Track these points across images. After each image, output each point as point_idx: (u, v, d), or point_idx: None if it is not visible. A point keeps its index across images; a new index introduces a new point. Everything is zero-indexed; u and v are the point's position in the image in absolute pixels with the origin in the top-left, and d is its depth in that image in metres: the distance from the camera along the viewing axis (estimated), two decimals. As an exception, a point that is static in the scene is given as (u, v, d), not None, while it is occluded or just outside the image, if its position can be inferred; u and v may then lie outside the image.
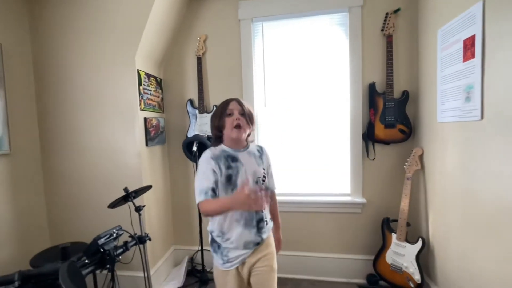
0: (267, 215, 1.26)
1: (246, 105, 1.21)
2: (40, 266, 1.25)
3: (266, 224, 1.24)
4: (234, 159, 1.18)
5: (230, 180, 1.15)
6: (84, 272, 1.14)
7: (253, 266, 1.20)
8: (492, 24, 1.20)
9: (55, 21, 1.97)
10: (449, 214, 1.58)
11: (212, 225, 1.23)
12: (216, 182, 1.13)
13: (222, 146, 1.22)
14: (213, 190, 1.11)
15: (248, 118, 1.19)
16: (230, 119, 1.17)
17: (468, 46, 1.34)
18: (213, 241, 1.24)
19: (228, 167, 1.16)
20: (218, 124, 1.20)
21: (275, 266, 1.26)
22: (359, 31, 2.04)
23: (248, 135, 1.24)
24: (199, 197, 1.10)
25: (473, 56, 1.31)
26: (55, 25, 1.97)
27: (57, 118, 2.03)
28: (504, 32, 1.13)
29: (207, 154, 1.18)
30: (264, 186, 1.23)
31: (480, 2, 1.25)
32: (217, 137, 1.24)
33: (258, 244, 1.20)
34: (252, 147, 1.28)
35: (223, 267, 1.20)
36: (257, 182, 1.20)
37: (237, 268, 1.19)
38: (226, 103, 1.20)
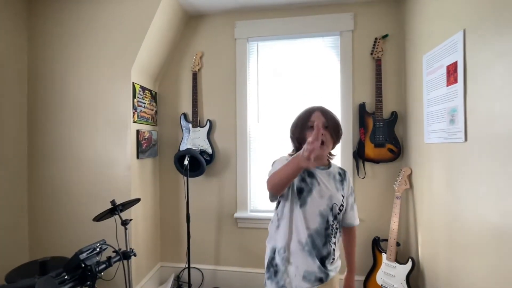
0: (336, 252, 1.09)
1: (331, 115, 1.06)
2: (15, 281, 1.19)
3: (332, 262, 1.06)
4: (311, 174, 1.05)
5: (300, 195, 1.03)
6: (62, 288, 1.09)
7: None
8: (473, 52, 1.27)
9: (53, 31, 2.00)
10: (437, 234, 1.59)
11: (275, 239, 1.07)
12: None
13: None
14: None
15: (333, 131, 1.04)
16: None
17: (451, 72, 1.41)
18: (271, 264, 1.07)
19: (302, 180, 1.04)
20: (298, 136, 1.08)
21: None
22: (350, 54, 2.13)
23: (331, 151, 1.11)
24: (269, 176, 0.99)
25: (456, 81, 1.38)
26: (52, 35, 2.00)
27: (48, 128, 2.01)
28: (484, 59, 1.20)
29: (283, 156, 1.09)
30: (338, 217, 1.08)
31: (461, 32, 1.33)
32: (296, 148, 1.12)
33: (321, 281, 1.02)
34: (334, 168, 1.13)
35: None
36: (331, 209, 1.05)
37: None
38: (309, 113, 1.06)
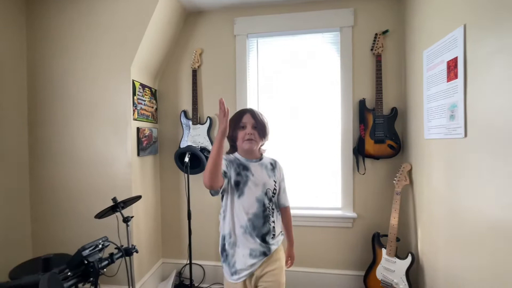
0: (276, 228, 1.26)
1: (260, 117, 1.24)
2: (19, 278, 1.20)
3: (273, 237, 1.23)
4: (245, 168, 1.22)
5: (238, 186, 1.19)
6: (66, 285, 1.10)
7: (259, 279, 1.20)
8: (473, 47, 1.27)
9: (52, 29, 1.99)
10: (436, 229, 1.60)
11: (223, 228, 1.25)
12: (225, 172, 1.16)
13: (236, 154, 1.27)
14: (225, 173, 1.15)
15: (261, 131, 1.22)
16: (243, 133, 1.21)
17: (452, 67, 1.41)
18: (223, 249, 1.24)
19: (238, 174, 1.20)
20: (231, 135, 1.23)
21: (283, 280, 1.24)
22: (350, 50, 2.12)
23: (261, 146, 1.29)
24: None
25: (456, 76, 1.37)
26: (52, 34, 2.00)
27: (49, 125, 2.01)
28: (484, 55, 1.20)
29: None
30: (274, 200, 1.26)
31: (461, 27, 1.32)
32: (231, 146, 1.29)
33: (265, 254, 1.20)
34: (266, 159, 1.30)
35: (231, 279, 1.21)
36: (266, 194, 1.22)
37: (244, 281, 1.19)
38: (240, 115, 1.23)
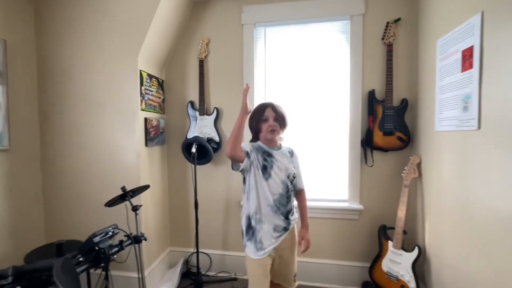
0: (294, 207, 1.45)
1: (280, 110, 1.39)
2: (34, 262, 1.25)
3: (293, 214, 1.43)
4: (270, 154, 1.39)
5: (265, 170, 1.36)
6: (78, 269, 1.14)
7: (278, 252, 1.38)
8: (490, 35, 1.22)
9: (60, 20, 1.99)
10: (444, 222, 1.58)
11: (248, 208, 1.38)
12: (248, 153, 1.32)
13: (259, 143, 1.42)
14: (247, 153, 1.31)
15: (281, 123, 1.38)
16: (266, 125, 1.37)
17: (467, 57, 1.36)
18: (248, 227, 1.38)
19: (264, 159, 1.37)
20: (255, 128, 1.41)
21: (296, 253, 1.47)
22: (360, 39, 2.06)
23: (281, 135, 1.45)
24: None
25: (471, 66, 1.33)
26: (60, 24, 2.00)
27: (58, 116, 2.04)
28: (502, 44, 1.15)
29: (247, 142, 1.40)
30: (293, 182, 1.43)
31: (478, 14, 1.27)
32: (253, 136, 1.47)
33: (285, 229, 1.38)
34: (284, 148, 1.48)
35: (257, 255, 1.34)
36: (288, 177, 1.40)
37: (269, 255, 1.35)
38: (262, 110, 1.39)
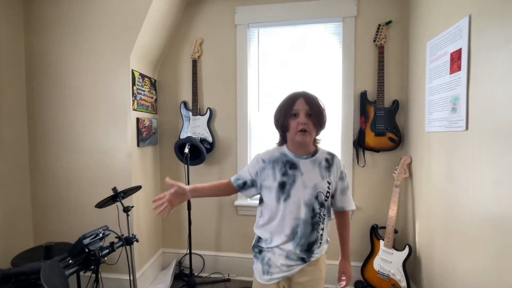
0: (324, 235, 1.09)
1: (316, 102, 1.02)
2: (21, 265, 1.22)
3: (319, 246, 1.08)
4: (293, 165, 1.04)
5: (283, 188, 1.03)
6: (67, 272, 1.12)
7: (295, 286, 1.08)
8: (478, 38, 1.25)
9: (50, 19, 1.96)
10: (434, 222, 1.61)
11: (261, 230, 1.11)
12: (252, 181, 1.10)
13: (284, 149, 1.08)
14: (244, 184, 1.12)
15: (317, 119, 1.01)
16: (295, 122, 1.00)
17: (455, 59, 1.39)
18: (257, 243, 1.13)
19: (284, 173, 1.04)
20: (281, 124, 1.05)
21: None
22: (352, 41, 2.09)
23: (316, 136, 1.08)
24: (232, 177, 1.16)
25: (459, 68, 1.36)
26: (50, 23, 1.96)
27: (47, 115, 2.00)
28: (488, 46, 1.18)
29: (260, 156, 1.10)
30: (326, 204, 1.06)
31: (466, 17, 1.30)
32: (281, 137, 1.10)
33: (303, 260, 1.05)
34: (321, 154, 1.09)
35: (262, 279, 1.07)
36: (317, 197, 1.03)
37: (278, 283, 1.06)
38: (292, 100, 1.02)
